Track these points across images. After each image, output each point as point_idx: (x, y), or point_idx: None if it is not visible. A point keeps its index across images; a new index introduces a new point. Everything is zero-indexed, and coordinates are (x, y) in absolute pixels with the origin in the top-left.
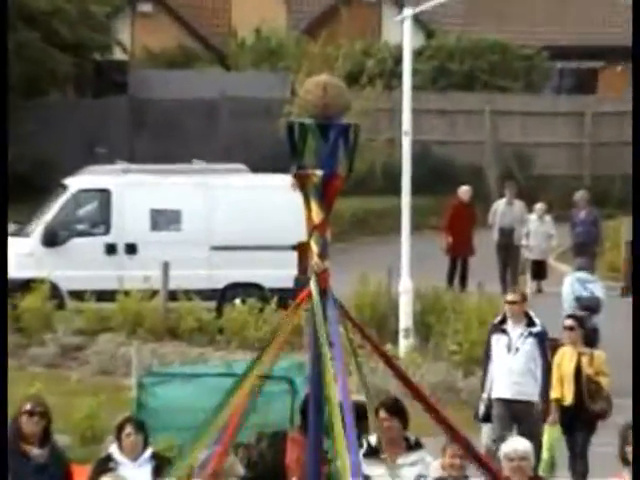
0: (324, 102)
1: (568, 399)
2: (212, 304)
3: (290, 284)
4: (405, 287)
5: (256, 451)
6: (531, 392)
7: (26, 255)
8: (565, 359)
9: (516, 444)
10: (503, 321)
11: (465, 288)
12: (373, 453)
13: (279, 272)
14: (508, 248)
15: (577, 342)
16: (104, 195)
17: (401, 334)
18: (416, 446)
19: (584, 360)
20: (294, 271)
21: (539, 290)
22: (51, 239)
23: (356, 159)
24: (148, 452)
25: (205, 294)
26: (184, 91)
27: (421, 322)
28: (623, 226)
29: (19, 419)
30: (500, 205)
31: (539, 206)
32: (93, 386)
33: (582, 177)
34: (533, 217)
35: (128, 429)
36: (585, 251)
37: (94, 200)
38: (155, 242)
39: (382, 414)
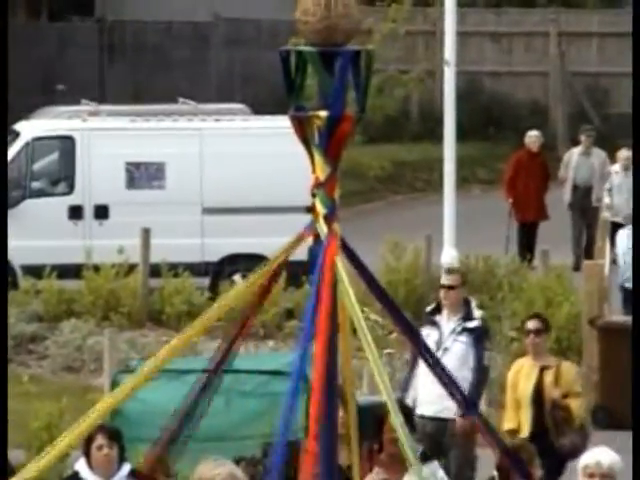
0: (327, 24)
1: (525, 430)
2: (205, 281)
3: (303, 256)
4: (449, 258)
5: (262, 466)
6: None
7: None
8: (522, 376)
9: (600, 456)
10: (437, 310)
11: (532, 261)
12: None
13: (289, 240)
14: (584, 210)
15: (542, 352)
16: (66, 144)
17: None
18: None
19: (547, 378)
20: (308, 239)
21: None
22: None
23: (383, 97)
24: (125, 469)
25: (196, 269)
26: (168, 12)
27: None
28: None
29: None
30: (574, 155)
31: (624, 154)
32: (55, 387)
33: None
34: (616, 168)
35: (99, 440)
36: None
37: (54, 150)
38: (132, 204)
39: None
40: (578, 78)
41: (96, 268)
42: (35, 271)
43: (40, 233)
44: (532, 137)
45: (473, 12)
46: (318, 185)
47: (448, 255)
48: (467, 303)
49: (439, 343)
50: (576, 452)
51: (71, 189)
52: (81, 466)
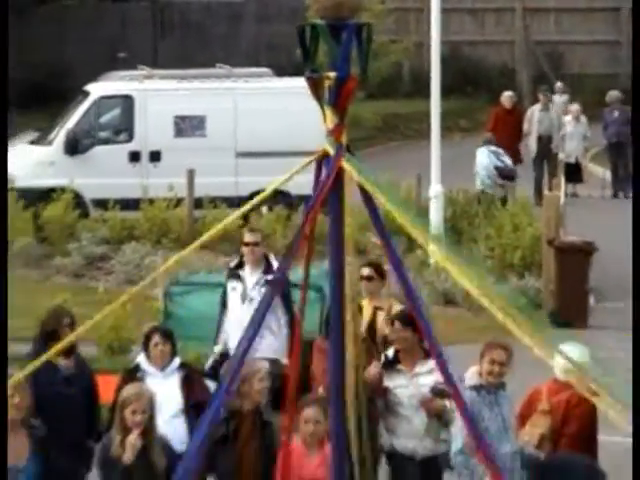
0: (335, 2)
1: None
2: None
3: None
4: (435, 193)
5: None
6: (272, 350)
7: (48, 163)
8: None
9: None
10: (239, 265)
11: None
12: (391, 365)
13: (306, 179)
14: (546, 155)
15: (375, 295)
16: (127, 101)
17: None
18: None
19: (379, 317)
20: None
21: (575, 194)
22: (73, 147)
23: (382, 61)
24: (176, 362)
25: (231, 202)
26: None
27: (452, 228)
28: None
29: (45, 329)
30: (535, 111)
31: (574, 107)
32: (119, 296)
33: (618, 76)
34: (568, 119)
35: (156, 339)
36: (620, 152)
37: (116, 107)
38: (179, 149)
39: (397, 325)
40: (539, 46)
41: (151, 201)
42: (102, 204)
43: (106, 173)
44: (506, 96)
45: None
46: (328, 132)
47: (434, 190)
48: (266, 258)
49: (244, 295)
50: None
51: (130, 138)
52: (141, 359)
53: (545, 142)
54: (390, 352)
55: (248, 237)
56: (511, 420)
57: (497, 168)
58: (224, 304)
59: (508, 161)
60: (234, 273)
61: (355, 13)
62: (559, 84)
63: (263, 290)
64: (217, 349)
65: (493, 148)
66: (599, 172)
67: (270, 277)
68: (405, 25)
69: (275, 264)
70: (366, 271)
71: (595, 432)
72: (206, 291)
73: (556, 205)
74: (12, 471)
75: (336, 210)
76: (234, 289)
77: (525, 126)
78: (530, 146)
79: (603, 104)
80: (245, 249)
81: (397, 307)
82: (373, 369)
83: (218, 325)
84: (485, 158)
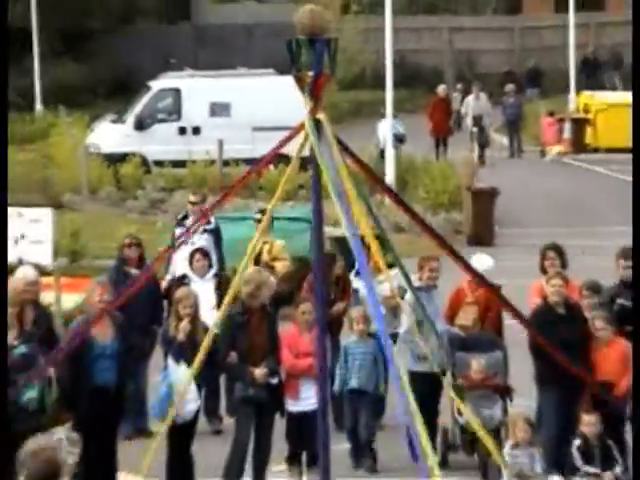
0: (312, 24)
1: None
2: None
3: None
4: (389, 154)
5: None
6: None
7: (123, 136)
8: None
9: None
10: (185, 217)
11: (445, 158)
12: (358, 274)
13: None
14: (479, 129)
15: (265, 233)
16: (176, 93)
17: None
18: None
19: (265, 248)
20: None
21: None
22: (140, 124)
23: (351, 65)
24: (212, 272)
25: (249, 162)
26: (231, 19)
27: (401, 179)
28: (540, 107)
29: (122, 250)
30: (469, 100)
31: (474, 92)
32: (172, 228)
33: (513, 74)
34: (472, 97)
35: (197, 256)
36: (513, 126)
37: (169, 96)
38: (213, 125)
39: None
40: (460, 54)
41: (193, 162)
42: (160, 163)
43: (162, 142)
44: (441, 88)
45: (402, 17)
46: (307, 112)
47: (389, 152)
48: (204, 213)
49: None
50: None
51: (179, 118)
52: (188, 271)
53: (477, 121)
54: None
55: (192, 198)
56: (440, 309)
57: (395, 135)
58: (173, 245)
59: (401, 129)
60: (181, 223)
61: (325, 32)
62: (477, 81)
63: (203, 237)
64: (168, 277)
65: (392, 121)
66: (500, 140)
67: (209, 227)
68: (368, 40)
69: (212, 219)
70: (259, 216)
71: (502, 317)
72: (231, 222)
73: (472, 162)
74: (100, 347)
75: (315, 166)
76: (181, 234)
77: (462, 110)
78: (468, 124)
79: (502, 94)
80: (189, 206)
81: (277, 244)
82: (337, 307)
83: (168, 259)
84: (385, 128)
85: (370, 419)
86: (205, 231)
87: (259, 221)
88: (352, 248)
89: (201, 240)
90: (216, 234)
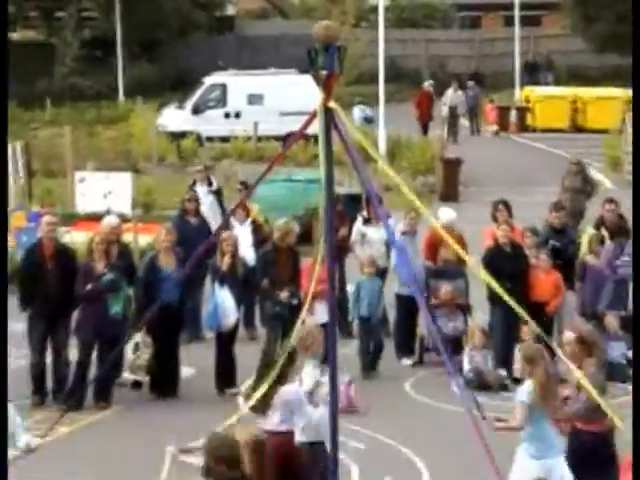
0: (326, 34)
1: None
2: (280, 144)
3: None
4: (381, 133)
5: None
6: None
7: (184, 119)
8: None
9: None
10: (194, 184)
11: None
12: (367, 222)
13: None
14: (453, 115)
15: (241, 214)
16: (223, 86)
17: (380, 158)
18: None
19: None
20: None
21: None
22: (196, 110)
23: (354, 67)
24: (249, 219)
25: (278, 138)
26: (264, 31)
27: (390, 152)
28: (495, 96)
29: (183, 203)
30: (450, 92)
31: (453, 87)
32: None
33: (475, 74)
34: (451, 91)
35: (238, 210)
36: (472, 112)
37: (218, 89)
38: (250, 111)
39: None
40: (435, 58)
41: (235, 138)
42: (210, 139)
43: (213, 123)
44: (425, 84)
45: (392, 30)
46: (320, 101)
47: (381, 133)
48: (208, 178)
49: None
50: None
51: (225, 105)
52: (231, 218)
53: (453, 110)
54: (364, 214)
55: (197, 168)
56: (420, 249)
57: (365, 118)
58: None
59: (370, 113)
60: (192, 188)
61: (336, 41)
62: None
63: (209, 198)
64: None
65: (363, 107)
66: (464, 122)
67: (212, 188)
68: (368, 48)
69: (214, 182)
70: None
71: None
72: (280, 184)
73: (442, 138)
74: (166, 274)
75: (327, 146)
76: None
77: (443, 100)
78: (444, 112)
79: (465, 88)
80: (196, 174)
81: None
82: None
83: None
84: (359, 112)
85: (377, 339)
86: (210, 192)
87: (240, 190)
88: (353, 202)
89: (209, 198)
90: (218, 194)
